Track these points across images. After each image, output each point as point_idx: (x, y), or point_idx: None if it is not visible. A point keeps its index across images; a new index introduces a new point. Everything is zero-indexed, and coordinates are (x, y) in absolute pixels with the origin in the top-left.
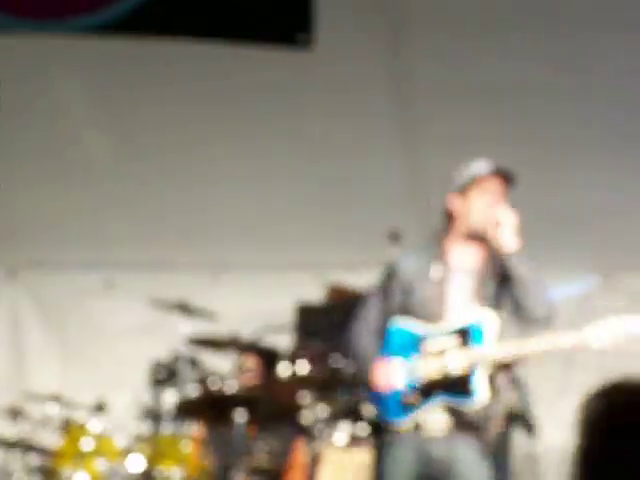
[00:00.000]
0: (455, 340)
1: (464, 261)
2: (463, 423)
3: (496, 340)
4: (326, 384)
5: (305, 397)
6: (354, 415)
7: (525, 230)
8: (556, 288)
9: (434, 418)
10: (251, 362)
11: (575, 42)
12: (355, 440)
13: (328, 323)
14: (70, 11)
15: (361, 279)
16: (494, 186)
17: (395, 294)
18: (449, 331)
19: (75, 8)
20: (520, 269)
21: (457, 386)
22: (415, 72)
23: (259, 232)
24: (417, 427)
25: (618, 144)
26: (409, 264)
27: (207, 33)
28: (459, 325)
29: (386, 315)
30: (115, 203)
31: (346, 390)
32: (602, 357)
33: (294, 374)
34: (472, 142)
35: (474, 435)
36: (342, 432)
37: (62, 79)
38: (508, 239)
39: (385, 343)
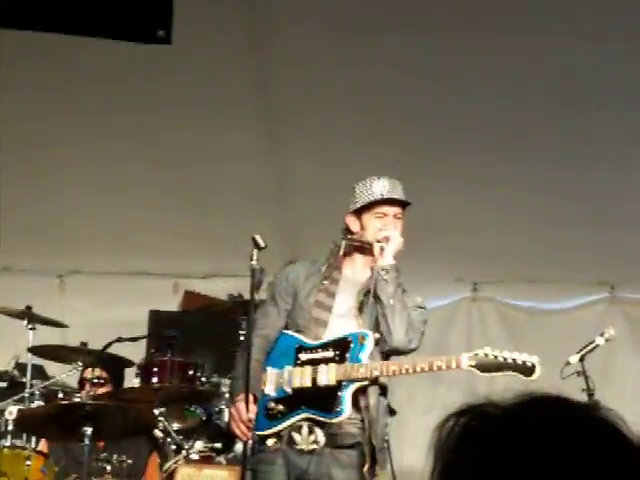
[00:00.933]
0: (330, 353)
1: (356, 275)
2: (335, 437)
3: (368, 357)
4: (180, 396)
5: (158, 409)
6: (209, 428)
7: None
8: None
9: (304, 432)
10: (98, 373)
11: (435, 45)
12: (209, 455)
13: (183, 330)
14: None
15: (216, 286)
16: (389, 210)
17: (283, 303)
18: (325, 343)
19: None
20: (379, 285)
21: (323, 400)
22: (277, 71)
23: (111, 238)
24: (288, 442)
25: (488, 155)
26: (297, 274)
27: (65, 30)
28: (336, 338)
29: (277, 325)
30: None
31: (201, 402)
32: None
33: (146, 385)
34: (336, 148)
35: (349, 450)
36: (196, 447)
37: None
38: (385, 256)
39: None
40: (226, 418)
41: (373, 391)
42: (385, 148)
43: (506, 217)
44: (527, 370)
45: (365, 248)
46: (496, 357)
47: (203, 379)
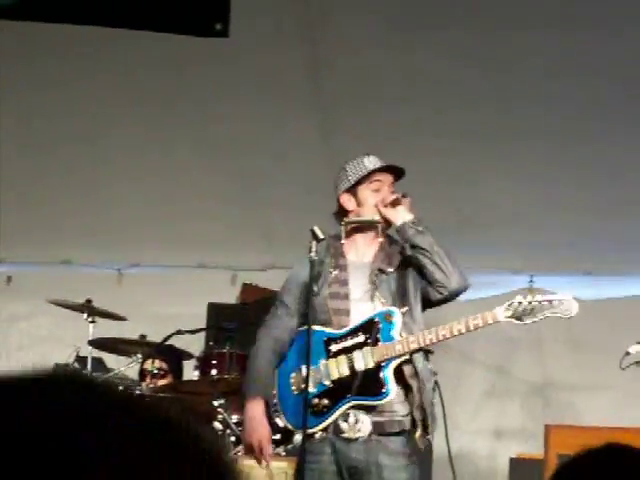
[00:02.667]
0: (361, 337)
1: (361, 257)
2: (381, 425)
3: (401, 332)
4: (239, 388)
5: (217, 401)
6: (267, 421)
7: (448, 230)
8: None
9: (350, 421)
10: (159, 365)
11: (496, 38)
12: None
13: (242, 323)
14: None
15: (274, 278)
16: (385, 178)
17: (294, 304)
18: (353, 329)
19: None
20: (417, 238)
21: (367, 384)
22: (335, 68)
23: (170, 231)
24: (335, 431)
25: (545, 144)
26: (302, 275)
27: (123, 24)
28: (362, 322)
29: (291, 322)
30: (15, 198)
31: None
32: None
33: (205, 377)
34: (391, 139)
35: (395, 437)
36: None
37: None
38: (400, 213)
39: (291, 353)
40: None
41: (418, 357)
42: (438, 138)
43: (564, 208)
44: (565, 307)
45: (364, 227)
46: (530, 302)
47: None
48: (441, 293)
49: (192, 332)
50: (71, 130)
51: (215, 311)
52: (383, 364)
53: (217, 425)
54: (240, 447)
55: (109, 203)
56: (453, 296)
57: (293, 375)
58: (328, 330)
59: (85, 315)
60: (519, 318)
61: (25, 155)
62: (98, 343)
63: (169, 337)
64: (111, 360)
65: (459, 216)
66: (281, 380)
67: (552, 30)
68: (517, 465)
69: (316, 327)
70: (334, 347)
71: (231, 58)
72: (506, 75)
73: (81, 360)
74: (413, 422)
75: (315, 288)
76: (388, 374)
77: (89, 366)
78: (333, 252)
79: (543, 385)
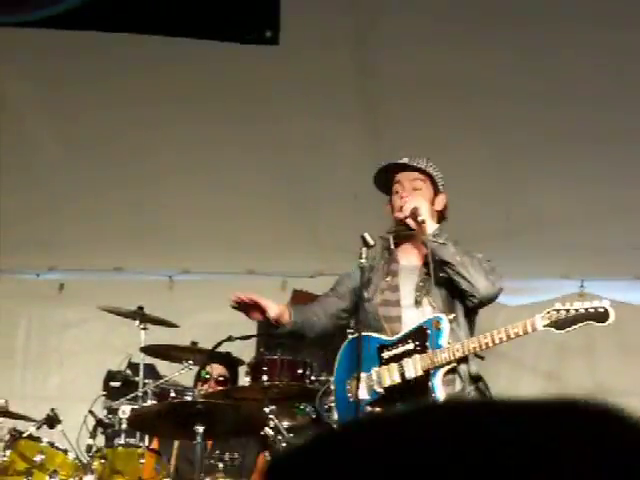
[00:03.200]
0: (411, 345)
1: (411, 261)
2: None
3: (449, 339)
4: (290, 394)
5: (268, 408)
6: (319, 426)
7: (497, 234)
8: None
9: None
10: (222, 372)
11: (545, 38)
12: None
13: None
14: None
15: (324, 284)
16: (401, 180)
17: (350, 290)
18: (404, 336)
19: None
20: (439, 252)
21: (417, 392)
22: (382, 71)
23: (220, 238)
24: None
25: (593, 148)
26: (356, 278)
27: (173, 32)
28: (412, 329)
29: (339, 302)
30: (65, 205)
31: (311, 400)
32: None
33: (256, 383)
34: (439, 143)
35: None
36: None
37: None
38: (427, 224)
39: (346, 360)
40: (335, 417)
41: (465, 367)
42: (487, 140)
43: (615, 212)
44: (601, 316)
45: (407, 235)
46: (568, 310)
47: (312, 377)
48: (472, 302)
49: (243, 338)
50: (122, 138)
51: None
52: (432, 372)
53: (268, 431)
54: None
55: (159, 210)
56: (485, 302)
57: (348, 382)
58: (381, 337)
59: (137, 322)
60: (557, 326)
61: (76, 164)
62: (150, 350)
63: (220, 344)
64: (163, 367)
65: (508, 220)
66: (338, 387)
67: (603, 28)
68: None
69: (370, 333)
70: (386, 354)
71: (280, 59)
72: (555, 75)
73: (133, 367)
74: None
75: (366, 294)
76: (436, 382)
77: (141, 373)
78: (387, 258)
79: (594, 390)
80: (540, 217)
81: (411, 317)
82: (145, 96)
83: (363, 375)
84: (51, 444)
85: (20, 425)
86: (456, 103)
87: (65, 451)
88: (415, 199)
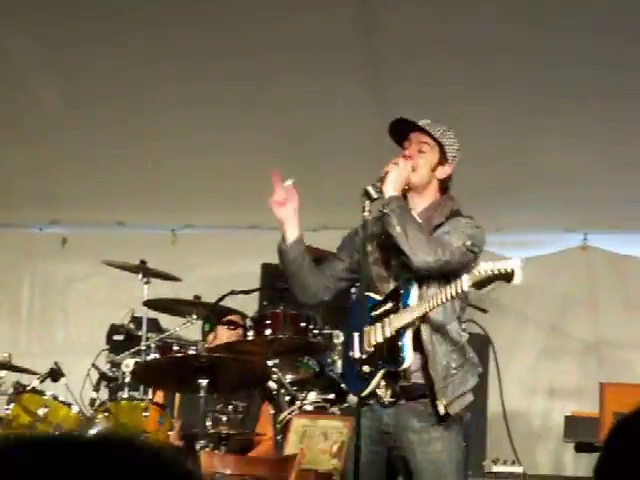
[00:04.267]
0: (389, 304)
1: None
2: (408, 389)
3: (418, 299)
4: (293, 348)
5: (271, 361)
6: (322, 380)
7: (500, 189)
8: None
9: (383, 385)
10: (238, 318)
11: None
12: (323, 406)
13: None
14: None
15: (326, 238)
16: (412, 139)
17: (346, 259)
18: (386, 296)
19: None
20: (390, 220)
21: (390, 351)
22: (384, 28)
23: (223, 192)
24: (373, 396)
25: (596, 104)
26: (363, 226)
27: None
28: (391, 289)
29: (340, 264)
30: (67, 159)
31: (314, 354)
32: None
33: (259, 337)
34: (440, 100)
35: (423, 400)
36: (310, 398)
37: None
38: (385, 191)
39: (353, 319)
40: (339, 369)
41: (426, 327)
42: (489, 97)
43: (618, 166)
44: (509, 276)
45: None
46: (486, 271)
47: (315, 331)
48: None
49: (246, 292)
50: (123, 94)
51: (269, 271)
52: (401, 332)
53: (272, 385)
54: (295, 407)
55: (164, 165)
56: (423, 272)
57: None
58: (373, 296)
59: (140, 276)
60: (477, 287)
61: (79, 119)
62: (153, 304)
63: (223, 297)
64: (166, 321)
65: (511, 176)
66: (346, 343)
67: None
68: (572, 423)
69: (369, 293)
70: (374, 313)
71: (282, 17)
72: (555, 31)
73: (136, 321)
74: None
75: (370, 247)
76: (405, 341)
77: (144, 326)
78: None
79: (598, 343)
80: (543, 172)
81: (399, 277)
82: (145, 54)
83: (357, 334)
84: (55, 397)
85: (24, 379)
86: (457, 60)
87: (69, 404)
88: (397, 165)
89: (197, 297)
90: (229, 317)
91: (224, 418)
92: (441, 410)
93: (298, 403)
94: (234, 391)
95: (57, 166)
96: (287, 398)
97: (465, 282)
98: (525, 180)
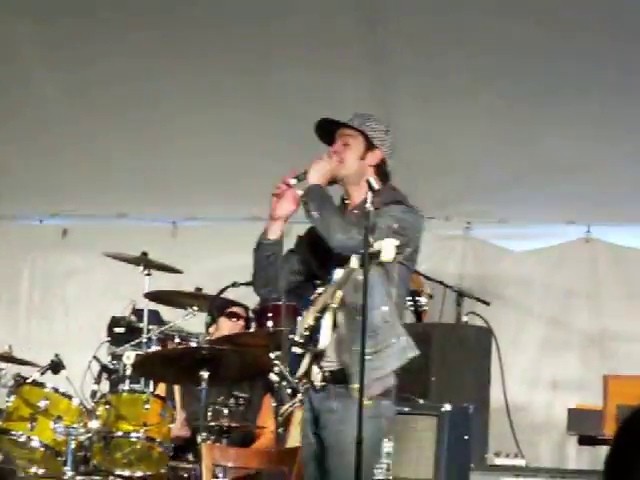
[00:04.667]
0: (322, 289)
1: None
2: (332, 373)
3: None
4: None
5: (273, 353)
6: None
7: (503, 181)
8: None
9: (314, 370)
10: (241, 310)
11: None
12: None
13: None
14: None
15: None
16: (337, 136)
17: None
18: (324, 282)
19: None
20: (306, 208)
21: (313, 334)
22: (386, 20)
23: (223, 184)
24: (307, 380)
25: (598, 95)
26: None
27: None
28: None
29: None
30: (68, 150)
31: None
32: None
33: (261, 329)
34: (443, 92)
35: (345, 385)
36: None
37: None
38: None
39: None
40: None
41: (342, 312)
42: (492, 90)
43: (621, 158)
44: (376, 254)
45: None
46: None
47: None
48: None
49: (248, 284)
50: (124, 84)
51: None
52: (319, 314)
53: (273, 377)
54: (296, 399)
55: (164, 156)
56: (340, 251)
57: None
58: (317, 282)
59: (141, 268)
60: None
61: (79, 111)
62: (154, 296)
63: (225, 289)
64: (167, 313)
65: (514, 167)
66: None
67: None
68: (575, 416)
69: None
70: (312, 297)
71: (283, 8)
72: (561, 27)
73: (137, 313)
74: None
75: (371, 239)
76: (323, 324)
77: (145, 319)
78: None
79: (601, 336)
80: (546, 164)
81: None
82: (146, 44)
83: (300, 318)
84: (55, 390)
85: (24, 371)
86: (460, 52)
87: (69, 397)
88: (318, 161)
89: (198, 289)
90: (231, 309)
91: (225, 410)
92: (354, 394)
93: (300, 396)
94: (235, 383)
95: (58, 158)
96: (289, 391)
97: (354, 262)
98: (528, 172)
